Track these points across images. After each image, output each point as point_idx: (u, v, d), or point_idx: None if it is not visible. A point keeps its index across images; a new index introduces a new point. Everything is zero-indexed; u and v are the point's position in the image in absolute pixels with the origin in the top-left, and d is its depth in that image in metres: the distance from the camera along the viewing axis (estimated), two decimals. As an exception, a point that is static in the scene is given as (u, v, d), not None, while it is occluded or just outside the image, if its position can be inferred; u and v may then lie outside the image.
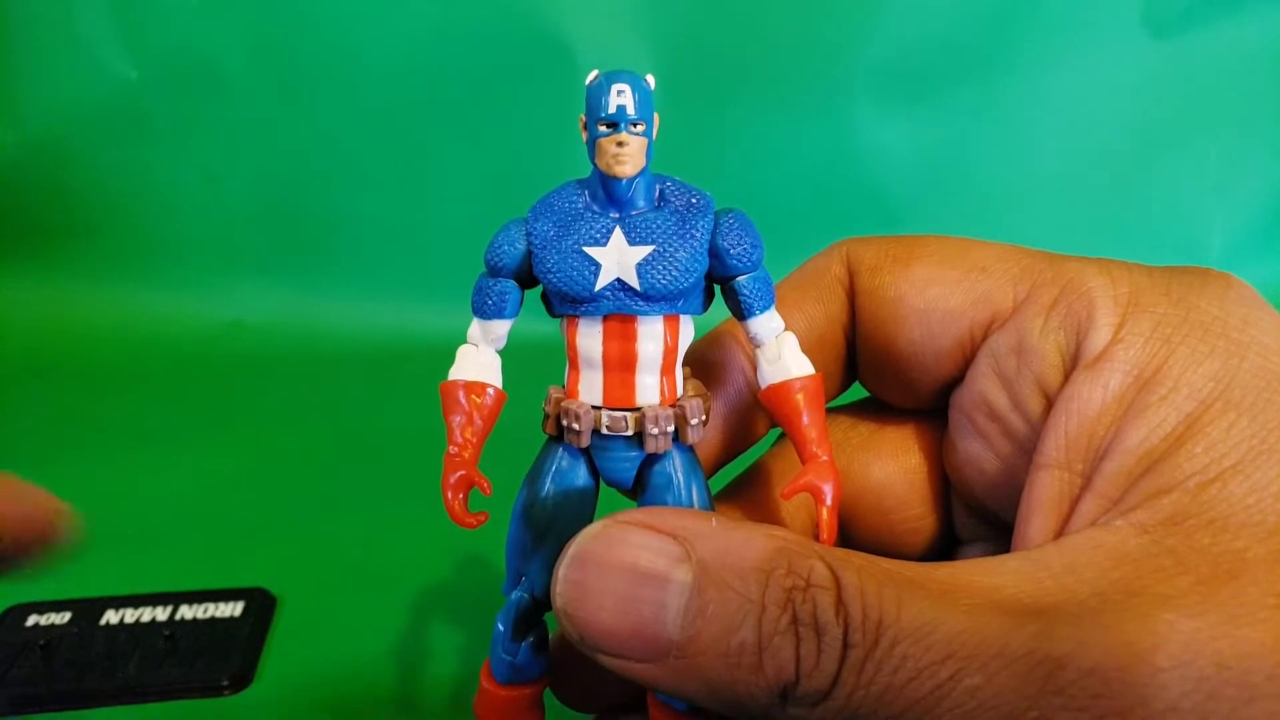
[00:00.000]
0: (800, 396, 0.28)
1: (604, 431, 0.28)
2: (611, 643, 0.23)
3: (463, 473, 0.27)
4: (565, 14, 0.89)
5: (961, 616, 0.21)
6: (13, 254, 0.97)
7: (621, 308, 0.27)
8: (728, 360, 0.33)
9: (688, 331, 0.29)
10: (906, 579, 0.23)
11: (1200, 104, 0.95)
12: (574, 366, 0.28)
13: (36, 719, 0.45)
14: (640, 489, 0.29)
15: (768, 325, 0.28)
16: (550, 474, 0.29)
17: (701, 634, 0.22)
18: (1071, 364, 0.27)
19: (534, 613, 0.30)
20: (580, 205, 0.27)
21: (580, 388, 0.28)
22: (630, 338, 0.27)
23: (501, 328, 0.28)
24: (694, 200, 0.28)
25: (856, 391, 0.37)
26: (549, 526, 0.29)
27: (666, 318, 0.28)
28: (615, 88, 0.26)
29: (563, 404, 0.28)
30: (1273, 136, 0.97)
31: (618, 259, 0.26)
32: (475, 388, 0.28)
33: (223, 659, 0.47)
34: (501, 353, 0.29)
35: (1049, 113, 0.95)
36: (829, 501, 0.28)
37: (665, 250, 0.27)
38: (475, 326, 0.29)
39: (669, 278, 0.26)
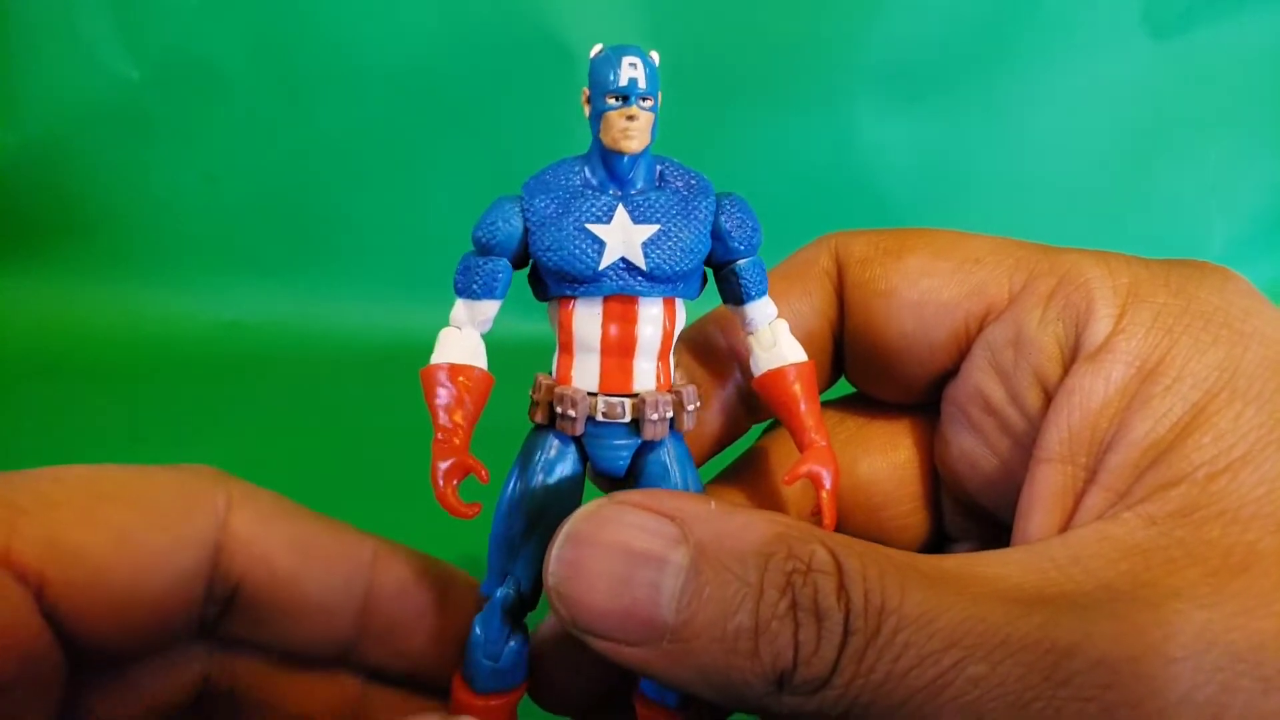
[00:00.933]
0: (797, 384, 0.28)
1: (599, 419, 0.27)
2: (604, 624, 0.23)
3: (454, 460, 0.25)
4: (565, 15, 0.89)
5: (966, 605, 0.21)
6: (13, 254, 0.97)
7: (625, 288, 0.26)
8: (728, 346, 0.32)
9: (682, 316, 0.28)
10: (910, 566, 0.22)
11: (1200, 104, 0.95)
12: (566, 351, 0.27)
13: None
14: (633, 479, 0.28)
15: (763, 311, 0.28)
16: (539, 464, 0.27)
17: (697, 617, 0.22)
18: (1071, 356, 0.27)
19: (519, 612, 0.28)
20: (579, 182, 0.27)
21: (574, 373, 0.27)
22: (631, 320, 0.26)
23: (490, 309, 0.27)
24: (694, 181, 0.27)
25: (842, 387, 0.36)
26: (539, 519, 0.27)
27: (665, 300, 0.27)
28: (627, 60, 0.25)
29: (556, 390, 0.27)
30: (1272, 137, 0.97)
31: (623, 237, 0.26)
32: (462, 370, 0.26)
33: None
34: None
35: (1049, 113, 0.95)
36: (829, 486, 0.27)
37: (670, 230, 0.26)
38: (460, 308, 0.27)
39: (675, 257, 0.26)
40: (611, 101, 0.25)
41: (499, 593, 0.28)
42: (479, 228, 0.26)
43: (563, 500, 0.27)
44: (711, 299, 0.30)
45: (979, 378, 0.30)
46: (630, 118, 0.25)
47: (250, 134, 0.95)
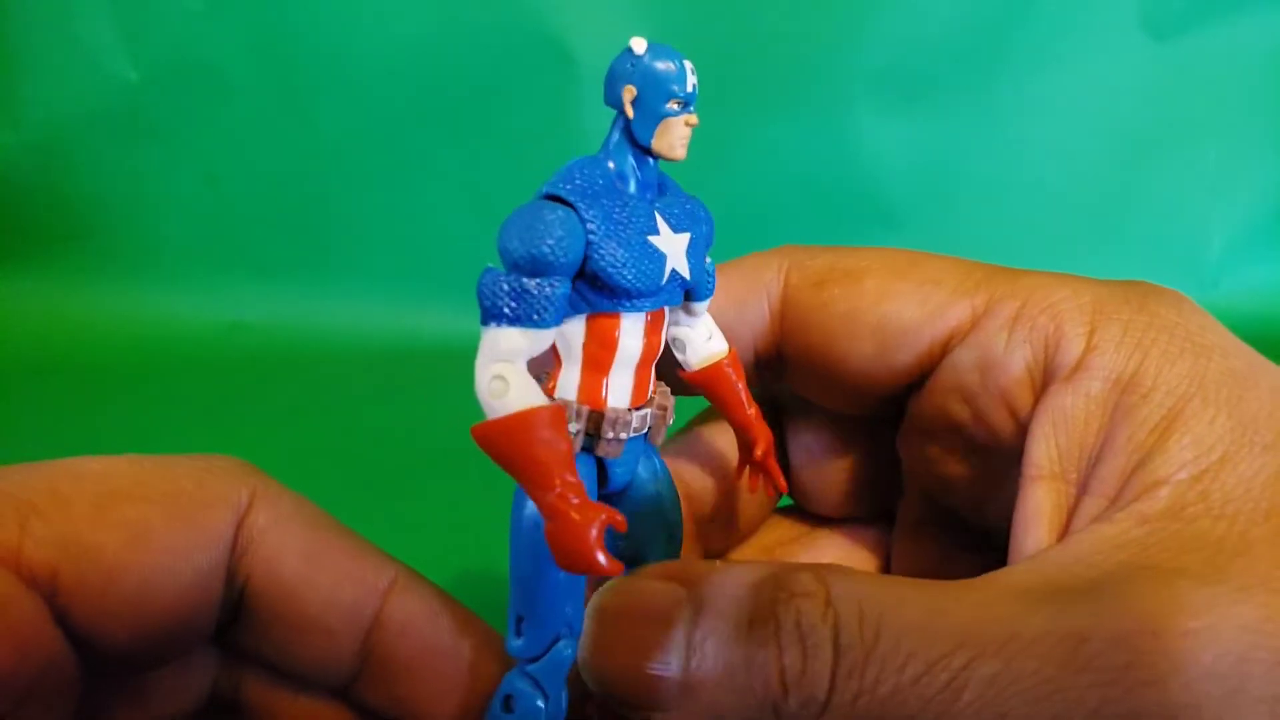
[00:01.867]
0: (733, 373, 0.28)
1: (631, 434, 0.25)
2: (626, 690, 0.23)
3: (603, 516, 0.21)
4: (565, 17, 0.89)
5: (969, 606, 0.21)
6: (13, 255, 0.97)
7: (673, 299, 0.25)
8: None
9: None
10: (907, 582, 0.22)
11: (1199, 106, 0.95)
12: (598, 369, 0.24)
13: None
14: (626, 487, 0.27)
15: (704, 304, 0.28)
16: None
17: (700, 668, 0.22)
18: (1041, 377, 0.27)
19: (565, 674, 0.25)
20: (613, 190, 0.24)
21: (610, 391, 0.25)
22: (659, 329, 0.26)
23: (550, 338, 0.23)
24: (676, 186, 0.27)
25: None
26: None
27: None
28: (689, 66, 0.24)
29: (604, 414, 0.24)
30: (1271, 139, 0.97)
31: (672, 248, 0.24)
32: (559, 413, 0.22)
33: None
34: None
35: (1047, 114, 0.95)
36: (764, 451, 0.29)
37: (697, 236, 0.26)
38: (518, 338, 0.22)
39: (702, 265, 0.26)
40: (674, 107, 0.24)
41: (567, 654, 0.24)
42: (537, 243, 0.22)
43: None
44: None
45: (944, 400, 0.30)
46: (688, 124, 0.24)
47: (250, 135, 0.95)
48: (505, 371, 0.22)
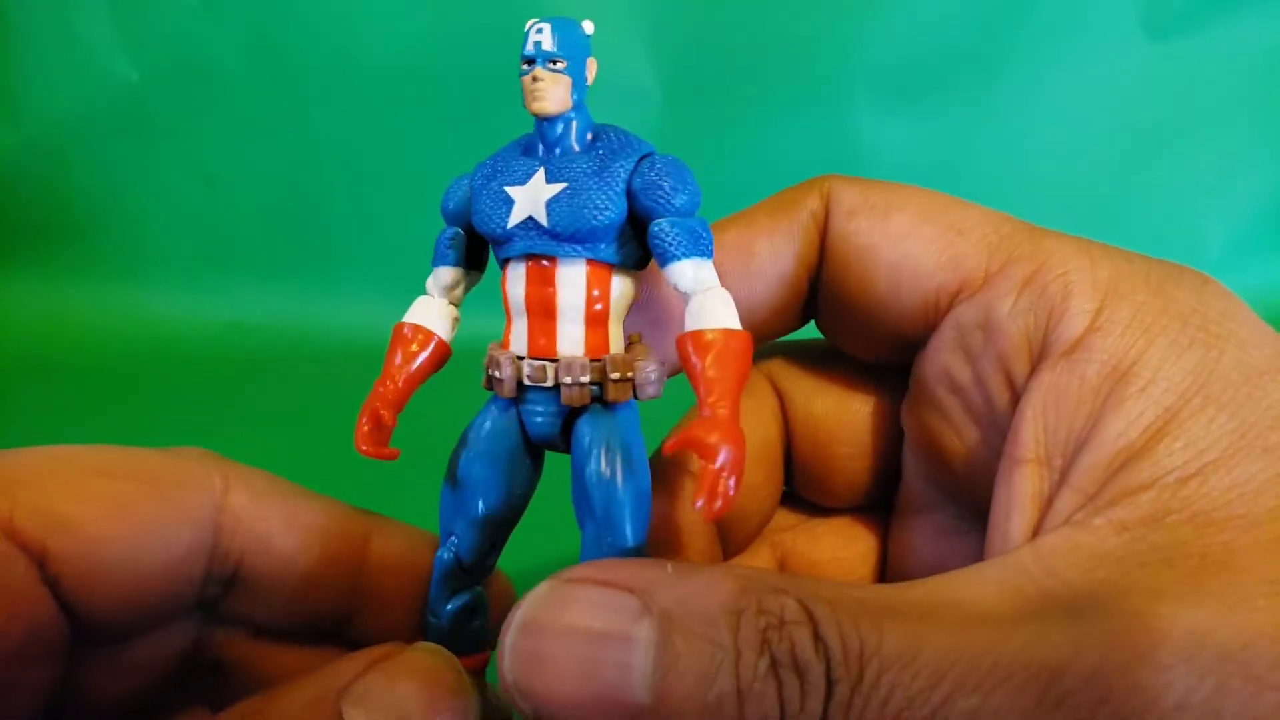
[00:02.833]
0: (698, 349, 0.25)
1: (525, 382, 0.27)
2: (574, 715, 0.21)
3: (375, 405, 0.28)
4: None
5: (946, 635, 0.20)
6: (12, 254, 0.97)
7: (532, 246, 0.26)
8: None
9: (622, 287, 0.27)
10: (881, 604, 0.21)
11: (1198, 105, 0.95)
12: (507, 317, 0.28)
13: None
14: (566, 445, 0.28)
15: (692, 275, 0.26)
16: (478, 427, 0.28)
17: (673, 691, 0.20)
18: (1038, 348, 0.26)
19: (461, 576, 0.29)
20: (518, 152, 0.28)
21: (511, 337, 0.28)
22: (549, 281, 0.27)
23: (448, 275, 0.29)
24: (620, 143, 0.27)
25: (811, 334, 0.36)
26: (476, 485, 0.28)
27: (591, 265, 0.26)
28: (534, 27, 0.26)
29: (490, 353, 0.28)
30: (1270, 138, 0.97)
31: (532, 197, 0.26)
32: (409, 328, 0.29)
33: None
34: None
35: (1047, 113, 0.95)
36: (721, 462, 0.23)
37: (576, 187, 0.26)
38: (430, 277, 0.29)
39: (577, 214, 0.26)
40: (523, 66, 0.26)
41: (439, 555, 0.29)
42: (441, 200, 0.29)
43: (500, 468, 0.28)
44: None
45: (948, 357, 0.29)
46: (536, 79, 0.26)
47: (250, 135, 0.95)
48: (416, 299, 0.29)
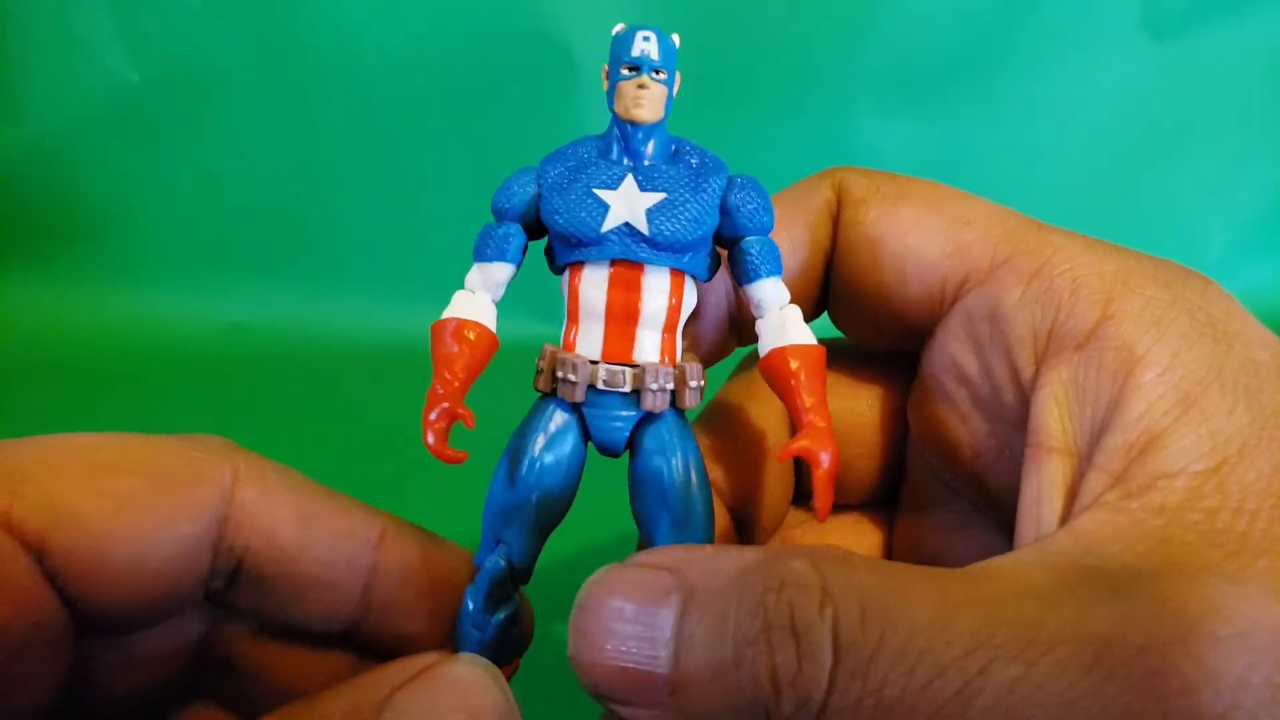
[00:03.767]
0: (796, 365, 0.27)
1: (600, 386, 0.27)
2: (613, 687, 0.22)
3: (446, 405, 0.26)
4: (565, 18, 0.89)
5: (985, 604, 0.19)
6: (14, 255, 0.97)
7: (628, 252, 0.26)
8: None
9: (691, 296, 0.28)
10: (912, 571, 0.21)
11: (1199, 107, 0.95)
12: (573, 319, 0.27)
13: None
14: (632, 453, 0.28)
15: (772, 293, 0.28)
16: (540, 431, 0.27)
17: (688, 663, 0.20)
18: (1044, 340, 0.26)
19: (509, 584, 0.28)
20: (594, 155, 0.27)
21: (579, 340, 0.27)
22: (635, 288, 0.27)
23: (502, 273, 0.28)
24: (708, 160, 0.28)
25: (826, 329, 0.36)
26: (535, 487, 0.27)
27: (673, 273, 0.27)
28: (641, 34, 0.27)
29: (559, 355, 0.27)
30: (1272, 140, 0.97)
31: (627, 203, 0.26)
32: (467, 325, 0.27)
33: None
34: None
35: (1047, 115, 0.95)
36: (826, 465, 0.26)
37: (676, 198, 0.26)
38: (474, 272, 0.28)
39: (678, 225, 0.26)
40: (625, 72, 0.26)
41: (489, 562, 0.28)
42: (496, 194, 0.27)
43: (562, 471, 0.27)
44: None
45: (955, 347, 0.29)
46: (641, 86, 0.26)
47: (251, 136, 0.95)
48: (455, 295, 0.28)
